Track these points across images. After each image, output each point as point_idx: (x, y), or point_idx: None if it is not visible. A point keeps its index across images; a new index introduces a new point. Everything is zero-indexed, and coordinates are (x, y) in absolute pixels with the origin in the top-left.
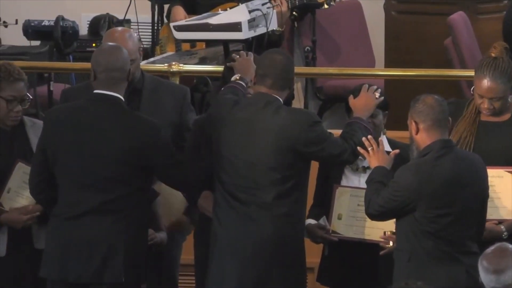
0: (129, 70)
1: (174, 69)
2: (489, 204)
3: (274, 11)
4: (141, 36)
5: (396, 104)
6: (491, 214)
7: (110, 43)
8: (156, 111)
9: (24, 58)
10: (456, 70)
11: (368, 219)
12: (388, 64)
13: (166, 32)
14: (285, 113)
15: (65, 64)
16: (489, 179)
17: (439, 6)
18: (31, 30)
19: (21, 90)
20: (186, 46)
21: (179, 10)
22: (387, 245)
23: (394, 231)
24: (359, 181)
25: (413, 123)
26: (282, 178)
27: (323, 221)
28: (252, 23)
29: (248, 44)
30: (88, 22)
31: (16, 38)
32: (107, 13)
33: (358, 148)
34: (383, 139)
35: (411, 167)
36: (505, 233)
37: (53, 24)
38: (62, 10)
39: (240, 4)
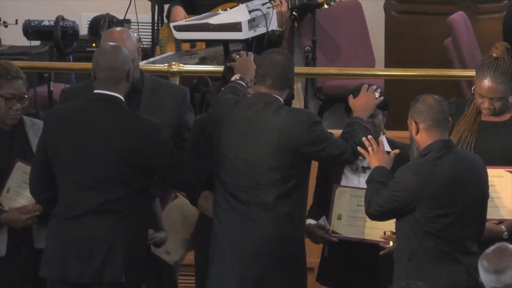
0: (129, 70)
1: (174, 69)
2: (489, 204)
3: (274, 11)
4: (141, 36)
5: (396, 104)
6: (491, 214)
7: (111, 43)
8: (156, 111)
9: (24, 58)
10: (456, 70)
11: (368, 219)
12: (388, 64)
13: (166, 32)
14: (285, 113)
15: (65, 64)
16: (490, 179)
17: (439, 6)
18: (31, 30)
19: (20, 88)
20: (186, 46)
21: (179, 10)
22: (387, 245)
23: (394, 231)
24: (359, 181)
25: (413, 123)
26: (282, 178)
27: (322, 221)
28: (252, 23)
29: (248, 44)
30: (88, 22)
31: (16, 38)
32: (107, 13)
33: (358, 148)
34: (383, 139)
35: (411, 167)
36: (506, 233)
37: (53, 24)
38: (62, 10)
39: (240, 4)
